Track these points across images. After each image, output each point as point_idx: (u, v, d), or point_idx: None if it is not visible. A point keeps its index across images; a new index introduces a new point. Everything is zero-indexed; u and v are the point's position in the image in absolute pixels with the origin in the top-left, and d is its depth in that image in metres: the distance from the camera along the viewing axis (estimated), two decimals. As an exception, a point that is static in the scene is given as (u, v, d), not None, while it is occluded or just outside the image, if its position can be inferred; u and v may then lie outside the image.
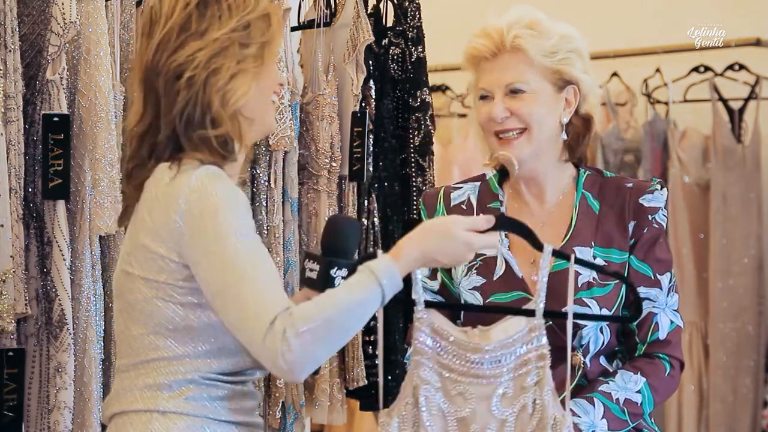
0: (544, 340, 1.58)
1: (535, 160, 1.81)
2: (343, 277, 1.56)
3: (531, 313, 1.59)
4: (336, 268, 1.58)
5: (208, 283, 1.48)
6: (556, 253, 1.62)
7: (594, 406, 1.74)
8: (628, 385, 1.76)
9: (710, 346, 3.47)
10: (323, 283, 1.58)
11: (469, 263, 1.82)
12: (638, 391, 1.77)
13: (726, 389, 3.42)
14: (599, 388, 1.76)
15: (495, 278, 1.81)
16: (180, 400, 1.51)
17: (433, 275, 1.87)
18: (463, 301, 1.85)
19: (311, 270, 1.61)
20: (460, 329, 1.61)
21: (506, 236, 1.82)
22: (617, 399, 1.75)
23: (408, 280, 1.58)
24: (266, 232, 2.33)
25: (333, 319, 1.43)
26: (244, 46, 1.55)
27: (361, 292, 1.46)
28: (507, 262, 1.81)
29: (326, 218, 2.35)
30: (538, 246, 1.61)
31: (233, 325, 1.47)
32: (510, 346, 1.58)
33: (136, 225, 1.55)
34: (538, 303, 1.59)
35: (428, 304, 1.61)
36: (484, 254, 1.82)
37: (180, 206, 1.49)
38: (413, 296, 1.60)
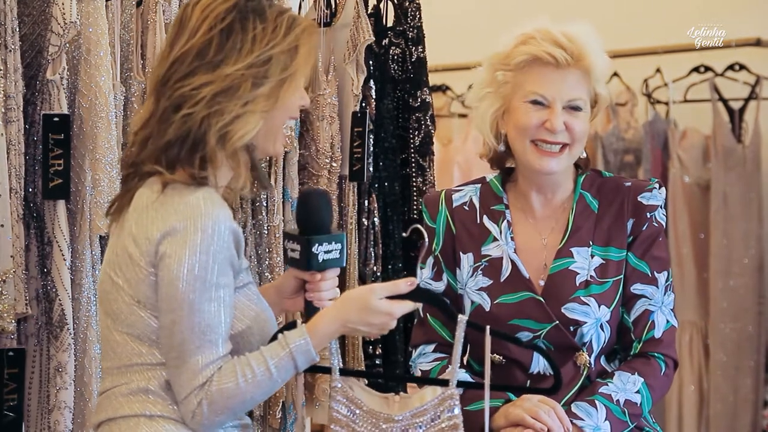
0: (457, 410, 1.58)
1: (563, 172, 1.83)
2: (325, 251, 1.58)
3: (445, 383, 1.60)
4: (316, 244, 1.59)
5: (161, 310, 1.51)
6: (471, 324, 1.62)
7: (596, 408, 1.75)
8: (626, 386, 1.77)
9: (710, 346, 3.47)
10: (307, 261, 1.59)
11: (475, 264, 1.84)
12: (637, 392, 1.78)
13: (726, 389, 3.42)
14: (599, 390, 1.77)
15: (502, 279, 1.82)
16: (166, 404, 1.52)
17: (437, 276, 1.88)
18: (469, 302, 1.84)
19: (293, 250, 1.61)
20: (381, 396, 1.63)
21: (512, 239, 1.84)
22: (617, 400, 1.76)
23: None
24: (266, 232, 2.33)
25: (247, 398, 1.50)
26: (257, 85, 1.49)
27: (277, 371, 1.50)
28: (513, 264, 1.83)
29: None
30: (452, 316, 1.62)
31: (168, 363, 1.51)
32: (422, 415, 1.58)
33: (123, 233, 1.54)
34: (453, 372, 1.59)
35: (343, 372, 1.63)
36: (490, 255, 1.84)
37: (165, 225, 1.49)
38: (330, 365, 1.62)
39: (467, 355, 1.89)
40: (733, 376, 3.42)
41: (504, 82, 1.81)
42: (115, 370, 1.55)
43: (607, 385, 1.77)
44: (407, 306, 1.56)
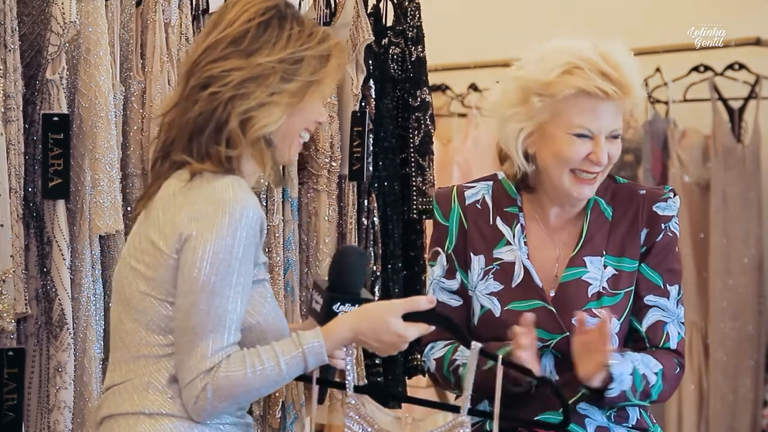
0: None
1: None
2: (346, 312, 1.59)
3: (456, 409, 1.61)
4: (338, 303, 1.60)
5: (180, 293, 1.51)
6: (483, 353, 1.61)
7: (626, 362, 1.73)
8: (649, 364, 1.77)
9: (710, 345, 3.48)
10: (326, 317, 1.60)
11: (486, 267, 1.82)
12: (655, 373, 1.77)
13: (726, 388, 3.43)
14: (628, 354, 1.76)
15: (513, 285, 1.81)
16: (166, 398, 1.52)
17: (450, 274, 1.85)
18: (479, 306, 1.82)
19: (316, 302, 1.63)
20: (394, 416, 1.64)
21: (525, 244, 1.82)
22: (637, 369, 1.75)
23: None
24: (266, 232, 2.32)
25: (253, 389, 1.50)
26: (285, 80, 1.54)
27: (287, 368, 1.51)
28: (526, 270, 1.81)
29: (326, 218, 2.36)
30: (466, 343, 1.62)
31: (178, 347, 1.51)
32: None
33: (149, 221, 1.56)
34: (465, 399, 1.60)
35: (357, 389, 1.64)
36: (502, 259, 1.82)
37: (192, 210, 1.50)
38: (346, 380, 1.63)
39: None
40: (733, 376, 3.43)
41: (542, 109, 1.75)
42: (123, 362, 1.56)
43: (633, 354, 1.77)
44: (421, 329, 1.57)
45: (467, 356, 1.75)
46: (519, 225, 1.83)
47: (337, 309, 1.59)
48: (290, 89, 1.53)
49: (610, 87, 1.72)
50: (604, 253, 1.80)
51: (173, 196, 1.54)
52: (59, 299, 2.01)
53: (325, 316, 1.59)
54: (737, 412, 3.42)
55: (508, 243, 1.82)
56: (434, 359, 1.85)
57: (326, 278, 1.63)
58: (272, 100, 1.53)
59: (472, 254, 1.83)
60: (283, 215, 2.35)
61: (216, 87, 1.53)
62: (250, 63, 1.53)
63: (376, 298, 1.61)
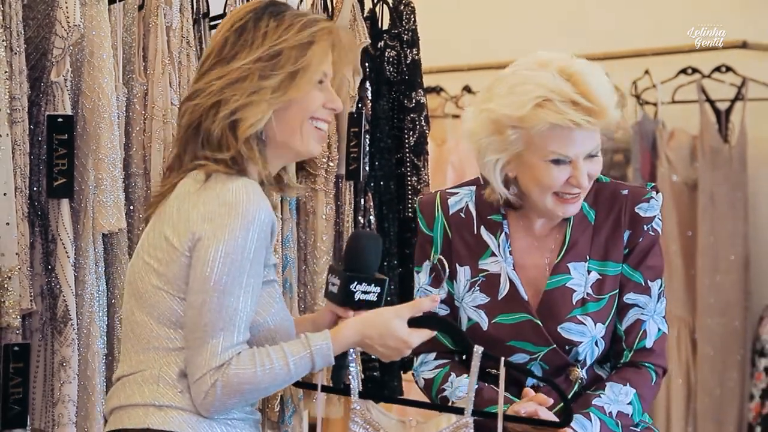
0: None
1: None
2: (363, 292, 1.62)
3: (460, 411, 1.63)
4: (356, 282, 1.62)
5: (191, 290, 1.54)
6: (486, 355, 1.63)
7: (591, 421, 1.74)
8: (619, 397, 1.77)
9: (698, 340, 3.51)
10: (344, 297, 1.62)
11: (472, 278, 1.82)
12: (629, 403, 1.77)
13: (713, 383, 3.46)
14: (593, 402, 1.76)
15: (499, 298, 1.80)
16: (176, 392, 1.54)
17: (437, 283, 1.84)
18: (466, 318, 1.81)
19: (333, 284, 1.65)
20: (398, 420, 1.66)
21: (510, 254, 1.81)
22: (610, 412, 1.76)
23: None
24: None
25: (261, 387, 1.53)
26: (264, 77, 1.55)
27: (295, 368, 1.55)
28: (511, 282, 1.80)
29: (323, 216, 2.40)
30: (469, 349, 1.65)
31: (188, 344, 1.54)
32: None
33: (163, 218, 1.59)
34: (469, 401, 1.62)
35: (362, 395, 1.67)
36: (487, 270, 1.81)
37: (206, 209, 1.53)
38: (350, 384, 1.65)
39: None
40: (720, 370, 3.46)
41: (516, 140, 1.73)
42: (133, 353, 1.58)
43: (600, 396, 1.77)
44: (423, 335, 1.61)
45: (456, 388, 1.78)
46: (503, 234, 1.81)
47: (354, 288, 1.61)
48: (271, 85, 1.55)
49: (582, 117, 1.68)
50: (588, 257, 1.79)
51: (188, 195, 1.56)
52: (63, 296, 2.03)
53: (343, 296, 1.61)
54: (724, 405, 3.46)
55: (493, 254, 1.81)
56: (424, 378, 1.85)
57: (341, 264, 1.65)
58: (252, 100, 1.55)
59: (457, 265, 1.82)
60: (281, 214, 2.38)
61: (198, 99, 1.57)
62: (229, 69, 1.56)
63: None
